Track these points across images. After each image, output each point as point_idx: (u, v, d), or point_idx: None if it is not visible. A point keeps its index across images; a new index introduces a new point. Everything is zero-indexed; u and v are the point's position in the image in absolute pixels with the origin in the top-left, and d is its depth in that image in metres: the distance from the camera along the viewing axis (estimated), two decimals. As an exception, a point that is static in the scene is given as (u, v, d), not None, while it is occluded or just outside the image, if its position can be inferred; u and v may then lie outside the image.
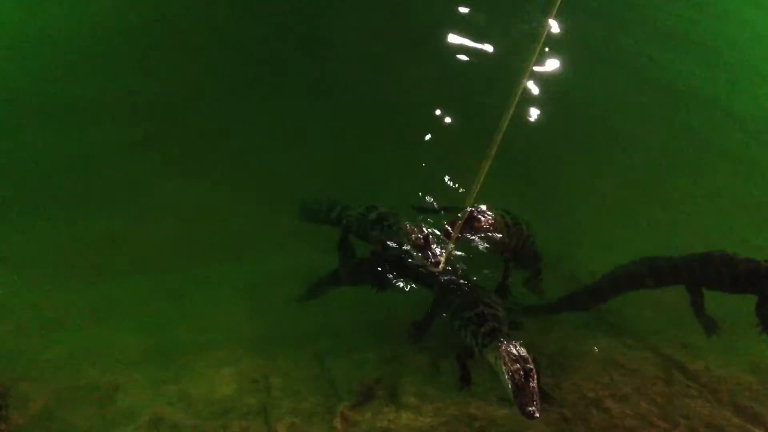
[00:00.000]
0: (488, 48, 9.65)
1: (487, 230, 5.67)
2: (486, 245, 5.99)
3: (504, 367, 4.78)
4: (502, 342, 4.98)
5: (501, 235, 5.86)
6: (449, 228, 5.62)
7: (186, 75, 9.95)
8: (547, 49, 9.93)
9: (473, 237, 5.66)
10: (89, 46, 10.02)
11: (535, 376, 4.72)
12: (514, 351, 4.85)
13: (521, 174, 9.31)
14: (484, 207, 5.73)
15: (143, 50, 10.09)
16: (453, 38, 9.62)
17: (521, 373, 4.69)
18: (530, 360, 4.81)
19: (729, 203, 9.15)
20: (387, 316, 7.06)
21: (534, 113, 9.58)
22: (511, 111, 4.93)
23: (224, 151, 9.12)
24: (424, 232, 5.84)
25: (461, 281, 6.08)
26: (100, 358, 6.21)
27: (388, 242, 6.29)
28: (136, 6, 10.55)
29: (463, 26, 9.76)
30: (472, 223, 5.50)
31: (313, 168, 8.87)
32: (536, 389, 4.68)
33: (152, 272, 7.55)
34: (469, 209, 5.53)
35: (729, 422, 5.40)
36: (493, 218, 5.70)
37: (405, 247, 6.03)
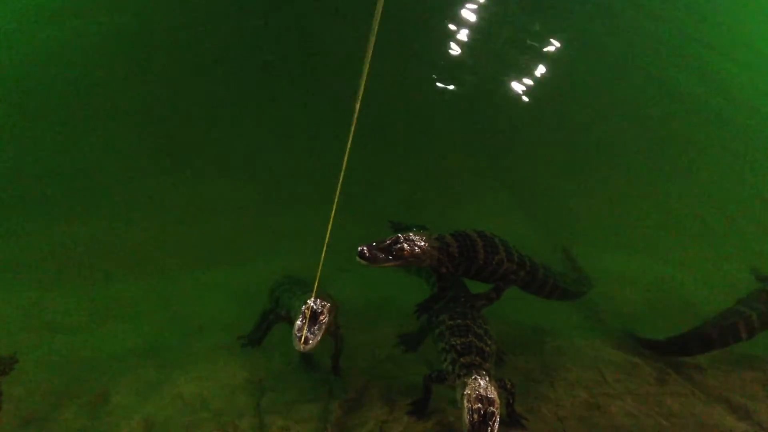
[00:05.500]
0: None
1: (411, 257, 5.37)
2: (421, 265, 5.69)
3: (466, 404, 4.75)
4: (475, 378, 4.91)
5: (436, 263, 5.62)
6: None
7: (180, 78, 9.99)
8: (543, 52, 10.08)
9: (392, 263, 5.28)
10: (82, 49, 10.06)
11: (496, 420, 4.68)
12: (482, 391, 4.78)
13: (517, 176, 9.40)
14: (415, 236, 5.43)
15: (135, 54, 10.14)
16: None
17: (481, 414, 4.65)
18: (495, 403, 4.75)
19: (725, 204, 9.21)
20: (380, 318, 7.08)
21: (531, 114, 9.68)
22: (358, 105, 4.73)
23: (219, 155, 9.15)
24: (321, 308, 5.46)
25: (464, 308, 5.88)
26: (94, 360, 6.19)
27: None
28: (128, 9, 10.63)
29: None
30: (392, 248, 5.27)
31: (309, 171, 8.91)
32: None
33: (146, 275, 7.54)
34: (398, 235, 5.37)
35: (722, 420, 5.42)
36: (420, 248, 5.42)
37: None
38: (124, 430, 5.32)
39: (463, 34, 10.16)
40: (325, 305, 5.46)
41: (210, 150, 9.19)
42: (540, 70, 10.16)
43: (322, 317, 5.37)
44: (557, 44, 10.27)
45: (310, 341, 5.18)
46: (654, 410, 5.54)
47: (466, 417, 4.70)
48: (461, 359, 5.17)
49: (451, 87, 9.86)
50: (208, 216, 8.37)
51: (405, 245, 5.36)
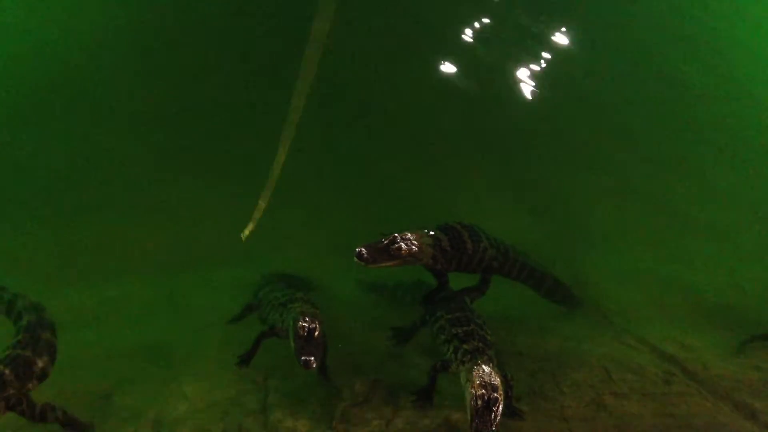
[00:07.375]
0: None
1: (408, 256, 5.40)
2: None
3: (471, 390, 4.79)
4: (479, 364, 4.97)
5: (431, 261, 5.68)
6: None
7: (184, 80, 10.01)
8: (549, 52, 10.06)
9: (390, 263, 5.32)
10: (86, 49, 10.08)
11: (500, 406, 4.71)
12: (486, 377, 4.84)
13: (521, 177, 9.39)
14: (411, 235, 5.46)
15: (140, 56, 10.16)
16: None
17: (484, 399, 4.69)
18: (499, 389, 4.78)
19: (728, 204, 9.19)
20: (384, 317, 7.09)
21: (533, 116, 9.66)
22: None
23: (223, 155, 9.18)
24: (314, 325, 5.47)
25: (459, 301, 6.02)
26: (101, 360, 6.22)
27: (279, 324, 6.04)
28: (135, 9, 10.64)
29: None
30: (389, 248, 5.28)
31: (309, 172, 8.92)
32: (496, 418, 4.69)
33: (153, 274, 7.58)
34: (394, 234, 5.38)
35: (728, 419, 5.39)
36: (417, 246, 5.44)
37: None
38: (130, 429, 5.34)
39: (468, 35, 10.15)
40: (315, 318, 5.51)
41: (214, 152, 9.22)
42: (544, 69, 10.14)
43: (317, 333, 5.43)
44: (564, 43, 10.25)
45: (314, 364, 5.24)
46: (660, 410, 5.51)
47: (471, 403, 4.75)
48: (464, 345, 5.30)
49: (457, 87, 9.85)
50: (213, 216, 8.40)
51: (402, 244, 5.40)
